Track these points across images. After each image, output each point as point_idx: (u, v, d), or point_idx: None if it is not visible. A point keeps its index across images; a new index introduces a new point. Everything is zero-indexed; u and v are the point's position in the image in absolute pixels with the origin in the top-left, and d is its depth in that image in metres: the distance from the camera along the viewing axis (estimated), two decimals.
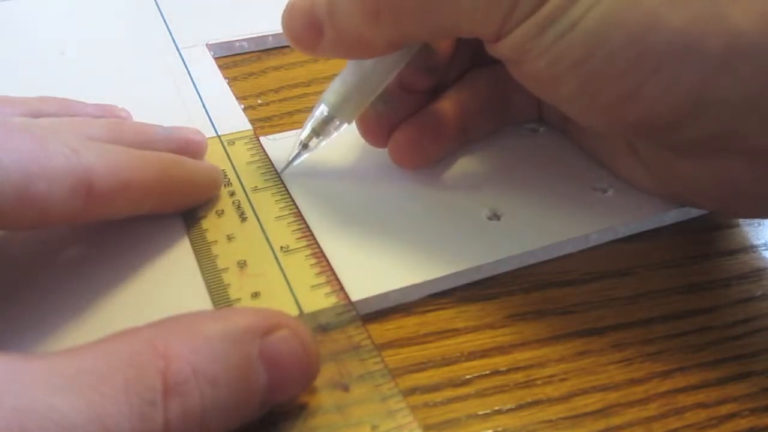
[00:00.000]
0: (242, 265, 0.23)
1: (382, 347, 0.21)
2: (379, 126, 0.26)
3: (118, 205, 0.22)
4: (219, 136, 0.28)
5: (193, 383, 0.16)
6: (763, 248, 0.25)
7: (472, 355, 0.21)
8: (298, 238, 0.24)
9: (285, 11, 0.24)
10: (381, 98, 0.25)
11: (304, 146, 0.26)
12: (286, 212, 0.25)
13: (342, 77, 0.25)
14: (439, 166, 0.27)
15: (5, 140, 0.19)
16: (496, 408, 0.20)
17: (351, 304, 0.22)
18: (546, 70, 0.21)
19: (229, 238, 0.24)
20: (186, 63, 0.33)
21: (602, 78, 0.21)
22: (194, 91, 0.31)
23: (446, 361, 0.21)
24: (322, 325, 0.21)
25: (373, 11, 0.22)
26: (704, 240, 0.26)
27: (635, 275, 0.24)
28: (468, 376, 0.21)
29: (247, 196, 0.25)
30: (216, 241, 0.23)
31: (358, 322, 0.21)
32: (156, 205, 0.23)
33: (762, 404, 0.20)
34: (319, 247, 0.23)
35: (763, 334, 0.22)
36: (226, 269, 0.22)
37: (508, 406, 0.20)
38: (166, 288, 0.22)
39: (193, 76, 0.32)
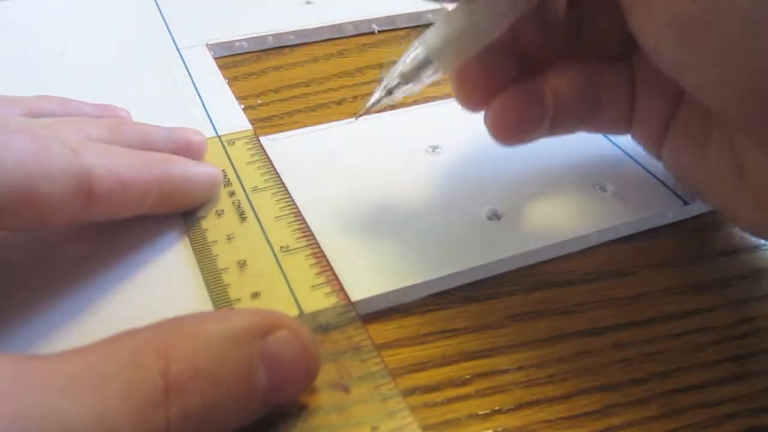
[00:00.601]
0: (242, 265, 0.23)
1: (382, 347, 0.21)
2: (479, 84, 0.24)
3: (119, 205, 0.22)
4: (219, 136, 0.28)
5: (194, 384, 0.16)
6: (763, 248, 0.25)
7: (472, 355, 0.21)
8: (298, 238, 0.24)
9: None
10: (485, 53, 0.22)
11: (389, 92, 0.22)
12: (286, 212, 0.25)
13: (447, 18, 0.22)
14: (439, 165, 0.27)
15: (6, 140, 0.19)
16: (496, 408, 0.20)
17: (351, 304, 0.22)
18: (695, 11, 0.17)
19: (229, 238, 0.24)
20: (186, 63, 0.33)
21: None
22: (194, 91, 0.31)
23: (446, 361, 0.21)
24: (322, 325, 0.21)
25: None
26: (704, 240, 0.26)
27: (635, 275, 0.24)
28: (468, 376, 0.21)
29: (246, 196, 0.25)
30: (216, 241, 0.23)
31: (358, 322, 0.21)
32: (156, 205, 0.23)
33: (762, 404, 0.20)
34: (319, 247, 0.23)
35: (763, 334, 0.22)
36: (226, 269, 0.23)
37: (508, 406, 0.20)
38: (166, 288, 0.22)
39: (193, 76, 0.32)
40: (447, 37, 0.22)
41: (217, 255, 0.23)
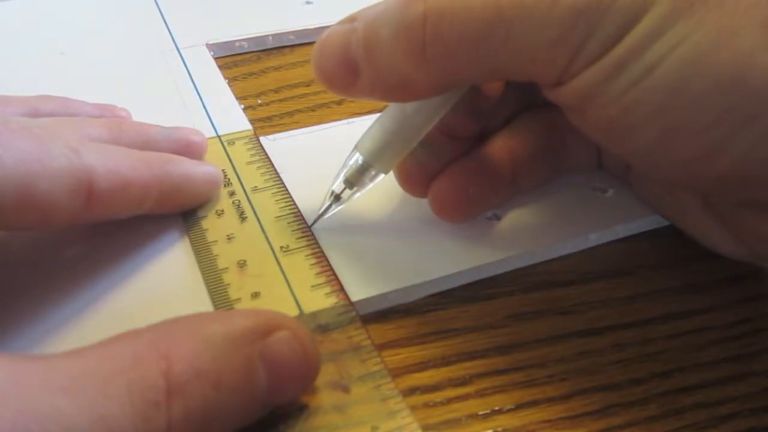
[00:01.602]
0: (242, 265, 0.23)
1: (382, 347, 0.21)
2: (420, 175, 0.24)
3: (119, 205, 0.22)
4: (219, 136, 0.28)
5: (195, 385, 0.16)
6: None
7: (472, 355, 0.21)
8: (298, 238, 0.24)
9: (315, 47, 0.21)
10: (422, 145, 0.23)
11: (336, 198, 0.24)
12: (286, 212, 0.25)
13: (380, 122, 0.23)
14: None
15: (7, 140, 0.19)
16: (496, 408, 0.20)
17: (351, 305, 0.22)
18: (617, 120, 0.19)
19: (229, 238, 0.24)
20: (186, 63, 0.33)
21: (683, 130, 0.18)
22: (194, 91, 0.31)
23: (446, 361, 0.21)
24: (321, 325, 0.21)
25: (418, 50, 0.19)
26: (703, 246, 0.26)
27: (635, 275, 0.24)
28: (468, 376, 0.21)
29: (247, 196, 0.25)
30: (216, 241, 0.23)
31: (358, 322, 0.21)
32: (156, 205, 0.23)
33: (762, 404, 0.20)
34: (319, 246, 0.23)
35: (763, 334, 0.22)
36: (226, 269, 0.23)
37: (508, 406, 0.20)
38: (166, 288, 0.22)
39: (193, 76, 0.32)
40: (382, 140, 0.22)
41: (217, 255, 0.23)
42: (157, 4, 0.38)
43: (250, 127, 0.29)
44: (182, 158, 0.24)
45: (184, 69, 0.33)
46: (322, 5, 0.38)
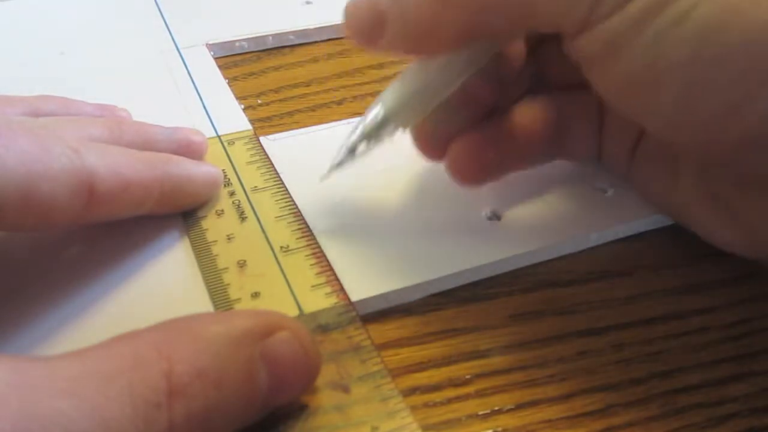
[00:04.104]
0: (242, 264, 0.23)
1: (382, 347, 0.21)
2: (436, 137, 0.24)
3: (120, 205, 0.22)
4: (219, 136, 0.28)
5: (197, 385, 0.16)
6: None
7: (472, 355, 0.21)
8: (298, 238, 0.24)
9: (347, 3, 0.22)
10: (442, 108, 0.23)
11: (351, 151, 0.23)
12: (286, 212, 0.25)
13: (403, 78, 0.23)
14: (439, 166, 0.27)
15: (9, 140, 0.19)
16: (496, 408, 0.20)
17: (351, 305, 0.22)
18: (640, 74, 0.18)
19: (229, 238, 0.24)
20: (186, 63, 0.33)
21: (707, 85, 0.18)
22: (194, 91, 0.31)
23: (446, 361, 0.21)
24: (322, 325, 0.21)
25: None
26: (704, 240, 0.26)
27: (635, 275, 0.24)
28: (468, 376, 0.21)
29: (246, 196, 0.25)
30: (215, 241, 0.23)
31: (358, 322, 0.21)
32: (156, 205, 0.23)
33: (762, 404, 0.20)
34: (319, 247, 0.23)
35: (763, 334, 0.22)
36: (226, 269, 0.23)
37: (508, 406, 0.20)
38: (166, 288, 0.22)
39: (193, 76, 0.32)
40: (404, 96, 0.22)
41: (216, 255, 0.23)
42: (157, 4, 0.38)
43: (250, 127, 0.29)
44: (183, 158, 0.24)
45: (184, 69, 0.33)
46: (322, 5, 0.38)
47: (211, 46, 0.35)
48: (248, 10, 0.38)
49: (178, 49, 0.34)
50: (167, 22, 0.36)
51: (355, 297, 0.22)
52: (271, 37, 0.35)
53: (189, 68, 0.33)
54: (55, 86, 0.28)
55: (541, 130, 0.25)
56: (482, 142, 0.24)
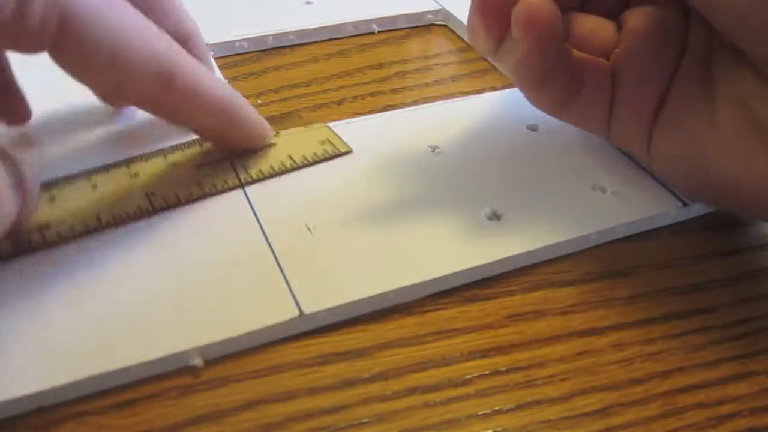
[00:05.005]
0: None
1: (382, 347, 0.21)
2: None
3: (188, 108, 0.24)
4: None
5: None
6: (763, 248, 0.25)
7: (472, 355, 0.21)
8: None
9: None
10: None
11: None
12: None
13: None
14: (439, 165, 0.27)
15: (124, 13, 0.22)
16: (496, 408, 0.20)
17: None
18: None
19: None
20: None
21: None
22: None
23: (446, 361, 0.21)
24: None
25: None
26: (704, 240, 0.26)
27: (635, 275, 0.24)
28: (468, 376, 0.21)
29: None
30: None
31: None
32: (216, 128, 0.25)
33: (762, 404, 0.20)
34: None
35: (763, 334, 0.22)
36: None
37: (508, 406, 0.20)
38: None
39: None
40: None
41: None
42: None
43: None
44: (244, 100, 0.26)
45: None
46: (322, 5, 0.38)
47: (211, 46, 0.34)
48: (248, 10, 0.37)
49: None
50: None
51: (354, 296, 0.22)
52: (271, 37, 0.35)
53: None
54: (54, 85, 0.28)
55: (566, 57, 0.24)
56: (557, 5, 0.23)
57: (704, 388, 0.21)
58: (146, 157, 0.26)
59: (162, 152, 0.27)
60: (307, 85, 0.33)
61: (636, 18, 0.25)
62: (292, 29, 0.36)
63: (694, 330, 0.22)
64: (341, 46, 0.36)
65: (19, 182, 0.21)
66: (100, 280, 0.22)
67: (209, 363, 0.20)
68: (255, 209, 0.25)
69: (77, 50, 0.21)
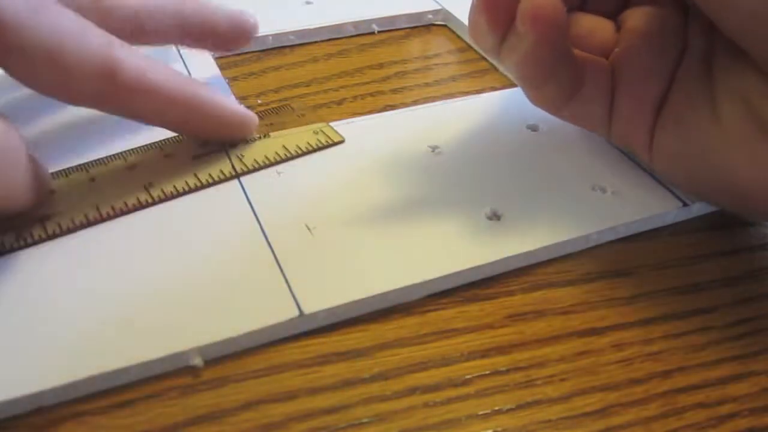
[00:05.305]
0: None
1: (382, 347, 0.21)
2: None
3: (140, 105, 0.23)
4: None
5: None
6: (764, 248, 0.25)
7: (472, 355, 0.21)
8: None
9: None
10: None
11: None
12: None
13: None
14: (439, 165, 0.27)
15: (53, 17, 0.22)
16: (496, 408, 0.20)
17: None
18: None
19: None
20: (186, 63, 0.33)
21: None
22: None
23: (446, 361, 0.21)
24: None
25: None
26: (704, 240, 0.26)
27: (635, 275, 0.24)
28: (468, 376, 0.21)
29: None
30: None
31: None
32: (183, 122, 0.25)
33: (762, 404, 0.20)
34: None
35: (764, 334, 0.22)
36: None
37: (508, 406, 0.20)
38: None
39: (193, 76, 0.32)
40: None
41: None
42: None
43: None
44: (217, 90, 0.26)
45: (184, 69, 0.33)
46: (322, 5, 0.38)
47: None
48: (248, 10, 0.37)
49: (178, 49, 0.34)
50: None
51: (354, 296, 0.22)
52: (271, 37, 0.35)
53: (189, 68, 0.33)
54: None
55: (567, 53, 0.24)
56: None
57: (704, 388, 0.21)
58: (143, 149, 0.27)
59: (158, 144, 0.27)
60: (307, 85, 0.33)
61: (635, 18, 0.25)
62: (292, 29, 0.36)
63: (694, 330, 0.22)
64: (341, 46, 0.36)
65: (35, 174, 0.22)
66: (101, 280, 0.22)
67: (209, 363, 0.20)
68: (255, 209, 0.25)
69: (13, 56, 0.21)
